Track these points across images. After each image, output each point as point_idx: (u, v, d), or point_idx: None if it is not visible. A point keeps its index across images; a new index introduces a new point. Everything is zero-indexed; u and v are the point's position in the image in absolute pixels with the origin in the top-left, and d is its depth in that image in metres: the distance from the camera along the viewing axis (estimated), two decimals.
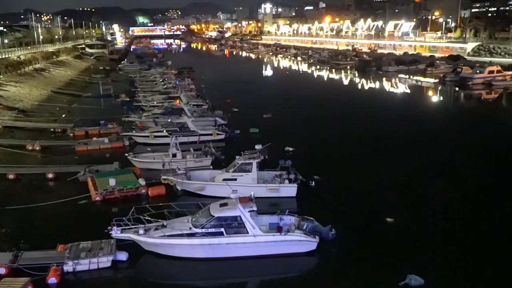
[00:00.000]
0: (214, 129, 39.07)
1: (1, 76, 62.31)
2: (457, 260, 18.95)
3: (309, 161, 31.52)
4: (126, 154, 31.76)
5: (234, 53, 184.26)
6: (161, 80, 74.38)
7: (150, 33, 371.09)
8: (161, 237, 19.13)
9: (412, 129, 43.60)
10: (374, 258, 19.06)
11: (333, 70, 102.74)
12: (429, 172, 30.24)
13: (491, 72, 72.54)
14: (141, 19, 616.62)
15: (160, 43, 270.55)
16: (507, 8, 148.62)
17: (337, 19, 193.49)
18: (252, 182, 25.42)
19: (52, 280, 17.35)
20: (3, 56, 74.82)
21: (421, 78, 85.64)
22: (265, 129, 41.96)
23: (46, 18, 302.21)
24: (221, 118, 42.64)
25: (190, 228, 19.27)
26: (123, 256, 18.98)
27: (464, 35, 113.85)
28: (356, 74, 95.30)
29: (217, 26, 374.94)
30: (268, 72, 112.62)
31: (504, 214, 23.52)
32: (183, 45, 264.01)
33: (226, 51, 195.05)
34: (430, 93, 73.19)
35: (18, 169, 30.50)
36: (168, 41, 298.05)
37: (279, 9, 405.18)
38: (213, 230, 19.07)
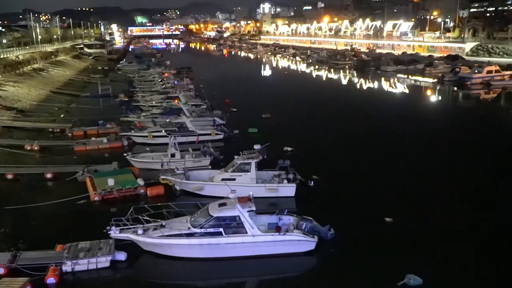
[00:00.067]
0: (212, 129, 39.08)
1: (0, 76, 62.22)
2: (455, 260, 18.96)
3: (308, 161, 31.53)
4: (125, 154, 31.72)
5: (233, 53, 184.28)
6: (159, 80, 74.36)
7: (149, 33, 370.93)
8: (160, 237, 19.11)
9: (411, 129, 43.67)
10: (373, 258, 19.07)
11: (332, 70, 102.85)
12: (428, 172, 30.26)
13: (489, 72, 72.71)
14: (139, 19, 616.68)
15: (158, 43, 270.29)
16: (506, 8, 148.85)
17: (335, 19, 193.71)
18: (250, 182, 25.42)
19: (50, 280, 17.33)
20: (2, 56, 74.80)
21: (420, 78, 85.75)
22: (264, 129, 41.96)
23: (44, 18, 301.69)
24: (219, 118, 42.65)
25: (189, 228, 19.26)
26: (122, 256, 18.96)
27: (462, 35, 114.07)
28: (355, 74, 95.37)
29: (216, 26, 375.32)
30: (266, 72, 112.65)
31: (503, 214, 23.55)
32: (182, 45, 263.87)
33: (225, 51, 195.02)
34: (428, 93, 73.33)
35: (17, 169, 30.47)
36: (167, 41, 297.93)
37: (278, 9, 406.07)
38: (212, 230, 19.06)
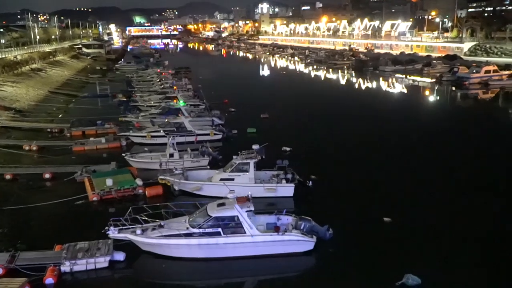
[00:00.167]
0: (211, 129, 39.07)
1: None
2: (454, 260, 18.99)
3: (307, 161, 31.53)
4: (123, 154, 31.73)
5: (231, 53, 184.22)
6: (158, 80, 74.31)
7: (147, 33, 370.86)
8: (158, 237, 19.11)
9: (409, 128, 43.71)
10: (371, 258, 19.10)
11: (330, 70, 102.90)
12: (426, 172, 30.30)
13: (487, 71, 72.78)
14: (138, 19, 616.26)
15: (157, 43, 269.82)
16: (503, 8, 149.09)
17: (334, 19, 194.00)
18: (249, 182, 25.43)
19: (49, 280, 17.30)
20: (0, 56, 74.57)
21: (418, 78, 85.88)
22: (262, 129, 41.95)
23: (42, 18, 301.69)
24: (218, 118, 42.62)
25: (188, 228, 19.26)
26: (120, 256, 18.95)
27: (460, 35, 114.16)
28: (353, 74, 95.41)
29: (214, 26, 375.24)
30: (265, 72, 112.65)
31: (503, 213, 23.59)
32: (180, 45, 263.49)
33: (223, 51, 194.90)
34: (426, 93, 73.41)
35: (15, 169, 30.45)
36: (165, 41, 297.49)
37: (276, 9, 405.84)
38: (210, 230, 19.06)
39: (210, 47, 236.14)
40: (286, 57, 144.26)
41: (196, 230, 19.10)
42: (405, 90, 75.62)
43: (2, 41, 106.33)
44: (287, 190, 25.48)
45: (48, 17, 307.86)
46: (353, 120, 47.61)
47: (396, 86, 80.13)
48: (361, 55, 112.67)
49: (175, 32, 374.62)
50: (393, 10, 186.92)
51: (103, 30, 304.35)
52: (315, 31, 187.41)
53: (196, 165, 29.73)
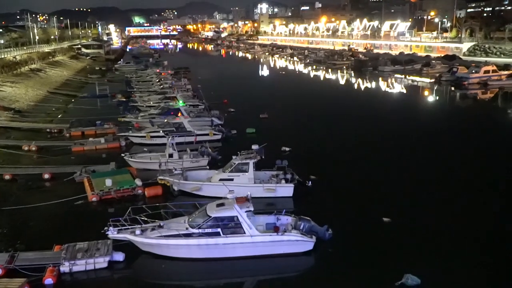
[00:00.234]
0: (210, 129, 39.05)
1: None
2: (454, 260, 18.99)
3: (306, 161, 31.54)
4: (123, 155, 31.69)
5: (231, 53, 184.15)
6: (157, 80, 74.28)
7: (146, 33, 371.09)
8: (157, 237, 19.10)
9: (408, 129, 43.74)
10: (371, 258, 19.11)
11: (329, 70, 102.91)
12: (426, 172, 30.32)
13: (486, 72, 72.85)
14: (137, 19, 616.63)
15: (156, 43, 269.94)
16: (502, 8, 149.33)
17: (333, 19, 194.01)
18: (248, 182, 25.42)
19: (48, 280, 17.28)
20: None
21: (417, 78, 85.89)
22: (261, 129, 41.94)
23: (42, 19, 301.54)
24: (217, 118, 42.62)
25: (187, 229, 19.24)
26: (119, 256, 18.93)
27: (459, 35, 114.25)
28: (352, 74, 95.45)
29: (213, 26, 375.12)
30: (264, 72, 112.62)
31: (503, 213, 23.60)
32: (180, 45, 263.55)
33: (223, 51, 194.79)
34: (426, 93, 73.44)
35: (14, 170, 30.42)
36: (165, 41, 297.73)
37: (275, 9, 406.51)
38: (209, 230, 19.05)
39: (210, 47, 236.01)
40: (285, 57, 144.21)
41: (195, 231, 19.09)
42: (404, 90, 75.63)
43: (2, 41, 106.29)
44: (286, 190, 25.48)
45: (47, 17, 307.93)
46: (353, 120, 47.63)
47: (395, 86, 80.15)
48: (360, 55, 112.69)
49: (175, 32, 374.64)
50: (392, 10, 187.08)
51: (102, 30, 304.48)
52: (314, 31, 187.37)
53: (195, 165, 29.73)
